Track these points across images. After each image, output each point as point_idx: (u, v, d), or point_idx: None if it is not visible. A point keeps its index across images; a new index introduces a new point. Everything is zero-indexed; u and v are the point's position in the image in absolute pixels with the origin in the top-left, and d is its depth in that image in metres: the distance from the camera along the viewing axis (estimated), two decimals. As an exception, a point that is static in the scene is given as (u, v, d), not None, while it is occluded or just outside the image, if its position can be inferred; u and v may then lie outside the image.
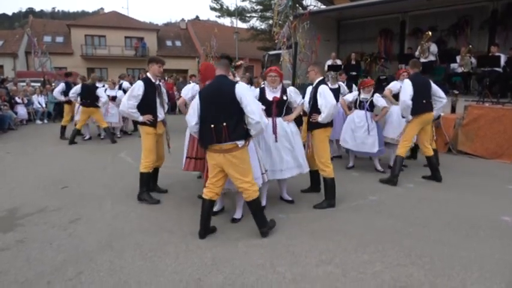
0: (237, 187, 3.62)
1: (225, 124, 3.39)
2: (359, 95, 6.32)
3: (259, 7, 27.11)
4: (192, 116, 3.50)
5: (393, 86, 6.52)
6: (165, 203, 4.65)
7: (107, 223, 4.04)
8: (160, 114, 4.76)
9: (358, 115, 6.22)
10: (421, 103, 5.41)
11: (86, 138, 9.76)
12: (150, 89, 4.61)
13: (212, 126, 3.41)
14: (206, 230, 3.66)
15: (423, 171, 6.04)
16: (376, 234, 3.75)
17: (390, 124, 6.42)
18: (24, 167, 6.69)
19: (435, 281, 2.90)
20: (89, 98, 8.91)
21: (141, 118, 4.57)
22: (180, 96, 5.07)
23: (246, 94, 3.44)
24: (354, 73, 11.61)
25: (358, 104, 6.29)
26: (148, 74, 4.71)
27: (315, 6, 21.04)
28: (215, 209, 4.36)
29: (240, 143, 3.45)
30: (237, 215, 4.13)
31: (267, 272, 3.01)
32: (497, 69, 8.77)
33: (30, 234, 3.75)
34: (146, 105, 4.58)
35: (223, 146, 3.43)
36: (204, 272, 3.02)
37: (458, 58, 9.97)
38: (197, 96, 3.57)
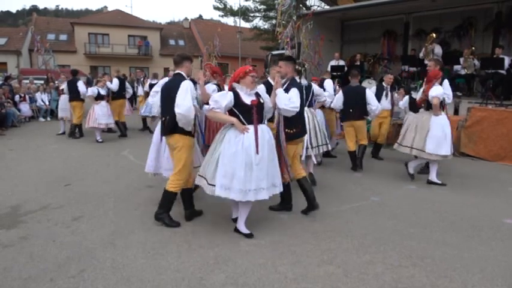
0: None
1: None
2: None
3: (262, 7, 27.05)
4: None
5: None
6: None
7: (109, 220, 4.06)
8: None
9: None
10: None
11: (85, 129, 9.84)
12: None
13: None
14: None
15: (425, 173, 6.03)
16: (378, 235, 3.76)
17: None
18: (27, 164, 6.72)
19: (436, 282, 2.90)
20: (119, 90, 9.04)
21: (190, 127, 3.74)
22: None
23: None
24: (356, 73, 11.58)
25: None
26: (182, 73, 3.89)
27: (318, 6, 20.92)
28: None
29: None
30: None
31: (268, 272, 3.02)
32: (501, 71, 8.76)
33: (34, 231, 3.77)
34: None
35: None
36: (206, 270, 3.04)
37: (461, 60, 9.96)
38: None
